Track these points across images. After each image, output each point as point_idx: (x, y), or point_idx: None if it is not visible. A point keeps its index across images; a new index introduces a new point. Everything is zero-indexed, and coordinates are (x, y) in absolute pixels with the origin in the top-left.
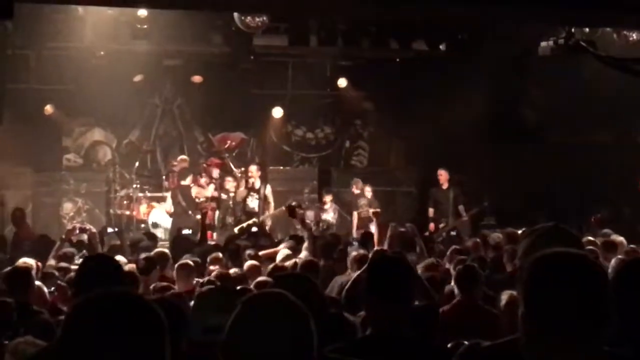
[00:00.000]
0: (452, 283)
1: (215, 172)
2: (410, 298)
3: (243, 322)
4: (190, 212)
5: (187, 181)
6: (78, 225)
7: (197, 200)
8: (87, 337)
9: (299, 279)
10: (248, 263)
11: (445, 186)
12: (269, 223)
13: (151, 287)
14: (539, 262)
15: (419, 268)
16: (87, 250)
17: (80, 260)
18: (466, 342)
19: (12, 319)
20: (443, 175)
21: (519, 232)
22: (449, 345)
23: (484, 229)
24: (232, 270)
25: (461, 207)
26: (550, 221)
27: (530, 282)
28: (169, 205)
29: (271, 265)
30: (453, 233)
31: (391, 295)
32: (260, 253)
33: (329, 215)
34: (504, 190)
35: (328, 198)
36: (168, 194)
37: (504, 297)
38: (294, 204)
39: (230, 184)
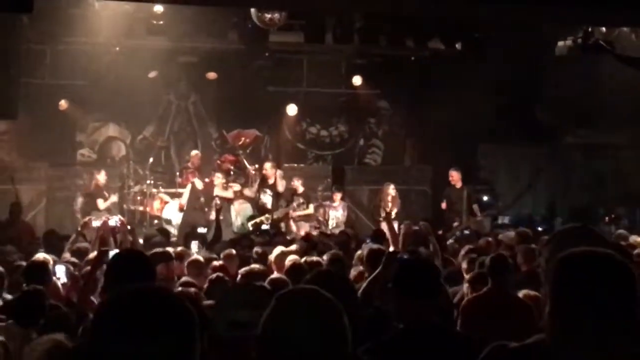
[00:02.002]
0: (465, 283)
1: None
2: (436, 295)
3: (279, 318)
4: (206, 209)
5: (219, 179)
6: (103, 219)
7: (216, 199)
8: (119, 333)
9: (332, 277)
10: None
11: (458, 185)
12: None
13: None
14: (566, 261)
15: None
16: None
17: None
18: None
19: (45, 306)
20: (455, 176)
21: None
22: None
23: (497, 228)
24: (255, 266)
25: (475, 206)
26: (566, 222)
27: (557, 281)
28: (184, 198)
29: (289, 263)
30: (466, 232)
31: (422, 292)
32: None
33: (338, 212)
34: (519, 191)
35: (337, 196)
36: (186, 188)
37: (520, 295)
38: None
39: (216, 180)
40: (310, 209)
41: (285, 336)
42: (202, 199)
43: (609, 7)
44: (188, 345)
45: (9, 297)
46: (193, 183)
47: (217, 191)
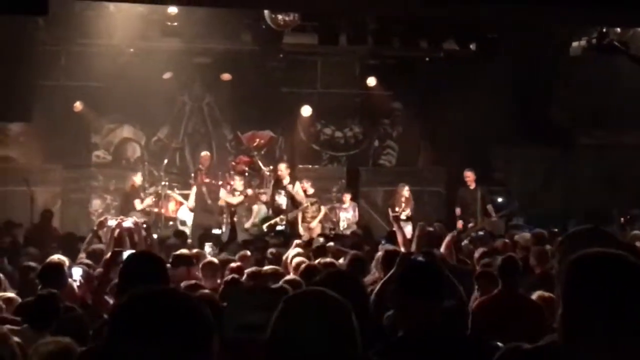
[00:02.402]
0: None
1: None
2: (442, 295)
3: (287, 320)
4: (214, 211)
5: (237, 182)
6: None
7: (221, 204)
8: (135, 334)
9: (342, 277)
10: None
11: (472, 186)
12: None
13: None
14: (578, 262)
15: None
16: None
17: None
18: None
19: (59, 310)
20: (470, 176)
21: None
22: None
23: (512, 229)
24: (261, 268)
25: (490, 207)
26: (580, 222)
27: (570, 282)
28: (191, 201)
29: (303, 265)
30: (481, 233)
31: (424, 293)
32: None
33: (349, 213)
34: (534, 191)
35: (347, 197)
36: (192, 190)
37: (534, 297)
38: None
39: (237, 184)
40: (322, 212)
41: (293, 338)
42: (208, 201)
43: (611, 8)
44: (203, 346)
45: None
46: (198, 186)
47: (223, 194)
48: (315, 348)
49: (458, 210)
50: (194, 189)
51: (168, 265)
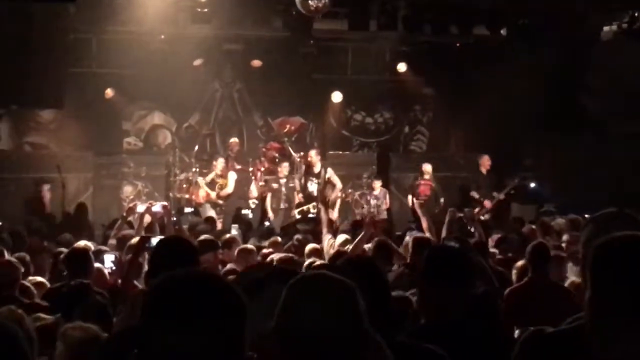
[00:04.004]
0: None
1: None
2: (466, 283)
3: (290, 305)
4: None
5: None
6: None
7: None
8: (168, 318)
9: (363, 264)
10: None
11: (484, 171)
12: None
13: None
14: (604, 246)
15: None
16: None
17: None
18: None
19: (88, 300)
20: (486, 161)
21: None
22: (517, 331)
23: (542, 216)
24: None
25: (495, 193)
26: (616, 207)
27: (596, 266)
28: (230, 187)
29: (332, 251)
30: (487, 216)
31: (446, 280)
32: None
33: (379, 200)
34: (565, 179)
35: (377, 183)
36: (231, 177)
37: (567, 284)
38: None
39: (285, 170)
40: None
41: (298, 321)
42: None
43: None
44: (237, 330)
45: None
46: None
47: (253, 187)
48: (320, 329)
49: (475, 195)
50: (233, 174)
51: None
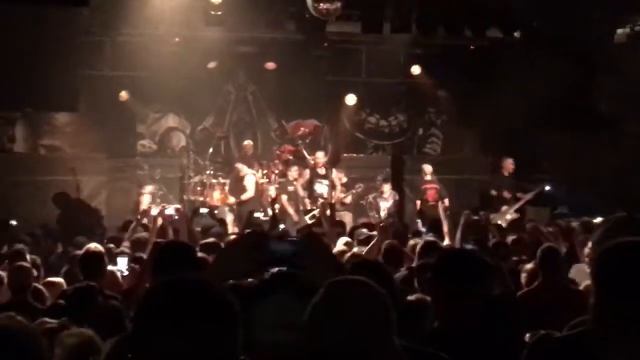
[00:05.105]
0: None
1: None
2: (480, 286)
3: (328, 304)
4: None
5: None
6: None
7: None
8: (159, 323)
9: (371, 268)
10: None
11: (506, 174)
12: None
13: None
14: (609, 252)
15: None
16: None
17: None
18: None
19: (96, 301)
20: (509, 164)
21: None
22: (527, 335)
23: (556, 218)
24: None
25: (519, 194)
26: (626, 212)
27: (600, 272)
28: (251, 190)
29: (348, 254)
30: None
31: (458, 283)
32: None
33: (388, 203)
34: (578, 180)
35: (387, 186)
36: (250, 179)
37: (582, 287)
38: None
39: (294, 173)
40: (348, 200)
41: (328, 327)
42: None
43: None
44: (227, 336)
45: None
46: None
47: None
48: (348, 334)
49: (495, 192)
50: (251, 177)
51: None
